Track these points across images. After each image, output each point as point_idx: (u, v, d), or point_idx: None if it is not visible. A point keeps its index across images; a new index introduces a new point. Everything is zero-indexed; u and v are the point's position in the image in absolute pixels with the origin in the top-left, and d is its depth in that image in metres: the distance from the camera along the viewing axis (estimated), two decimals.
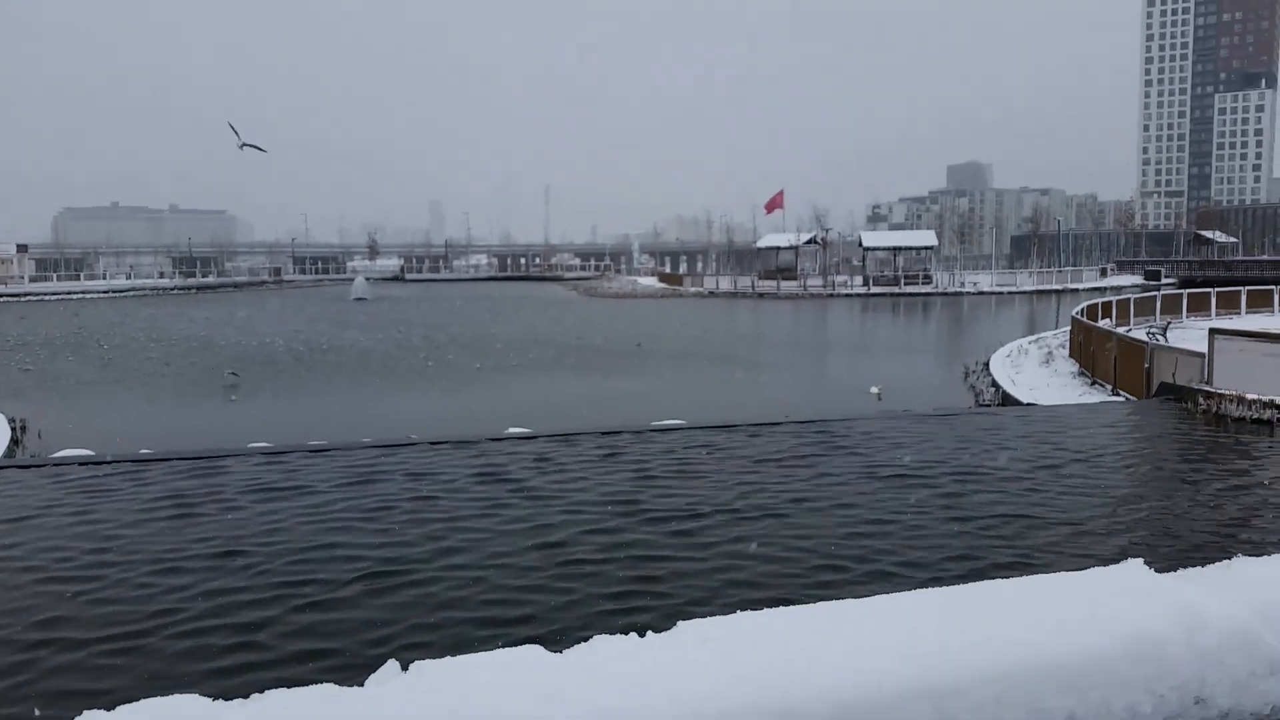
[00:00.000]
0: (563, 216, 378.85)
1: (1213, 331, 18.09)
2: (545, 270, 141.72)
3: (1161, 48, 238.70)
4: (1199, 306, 41.62)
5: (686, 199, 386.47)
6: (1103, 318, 35.84)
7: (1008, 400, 23.17)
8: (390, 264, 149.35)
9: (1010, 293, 75.72)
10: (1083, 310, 31.48)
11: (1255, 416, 13.27)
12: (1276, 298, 45.15)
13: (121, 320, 57.85)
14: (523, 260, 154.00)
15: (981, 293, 76.10)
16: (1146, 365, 20.13)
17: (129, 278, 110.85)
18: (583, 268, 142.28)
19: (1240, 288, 45.45)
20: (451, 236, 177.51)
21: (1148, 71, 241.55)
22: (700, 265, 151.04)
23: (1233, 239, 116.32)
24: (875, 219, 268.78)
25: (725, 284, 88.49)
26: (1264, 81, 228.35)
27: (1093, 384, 23.85)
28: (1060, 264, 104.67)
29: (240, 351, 38.28)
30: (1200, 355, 18.08)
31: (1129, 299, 39.17)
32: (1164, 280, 79.34)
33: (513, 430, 15.26)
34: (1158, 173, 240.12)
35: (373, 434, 15.54)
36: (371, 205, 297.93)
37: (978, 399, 24.93)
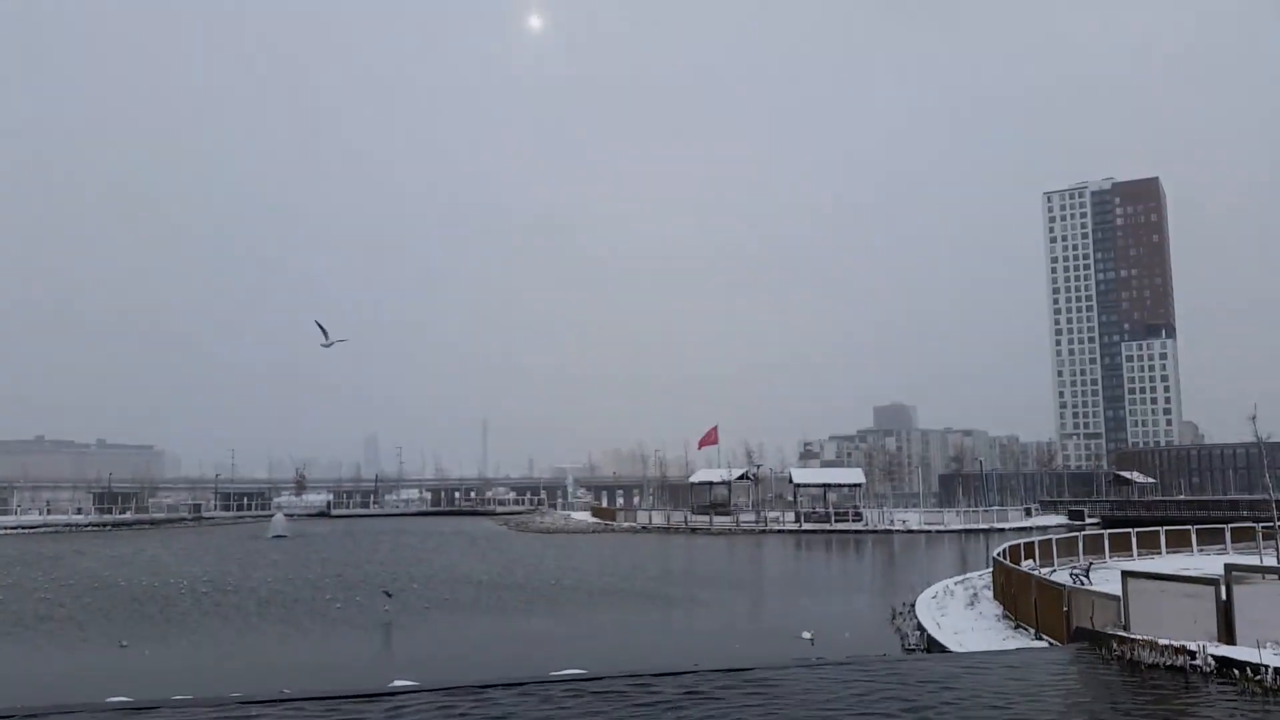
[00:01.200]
0: (500, 449, 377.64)
1: (1125, 574, 18.01)
2: (478, 505, 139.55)
3: (1068, 299, 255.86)
4: (1121, 547, 42.02)
5: (623, 433, 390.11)
6: (1026, 559, 35.88)
7: (933, 645, 22.50)
8: (318, 499, 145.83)
9: (939, 531, 76.05)
10: (1005, 552, 31.44)
11: (1168, 663, 12.91)
12: (1194, 537, 45.92)
13: (20, 556, 54.71)
14: (456, 494, 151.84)
15: (910, 531, 76.29)
16: (1065, 608, 19.85)
17: (43, 513, 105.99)
18: (517, 501, 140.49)
19: (1159, 528, 46.16)
20: (383, 470, 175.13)
21: (1057, 321, 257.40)
22: (636, 499, 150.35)
23: (1151, 479, 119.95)
24: (807, 456, 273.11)
25: (658, 518, 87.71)
26: (1164, 332, 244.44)
27: (1016, 627, 23.39)
28: (986, 504, 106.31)
29: (140, 591, 36.13)
30: (1116, 598, 17.90)
31: (1051, 540, 39.44)
32: (1087, 520, 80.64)
33: (397, 683, 14.22)
34: (1075, 415, 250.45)
35: (248, 685, 14.36)
36: (304, 438, 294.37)
37: (904, 642, 24.18)
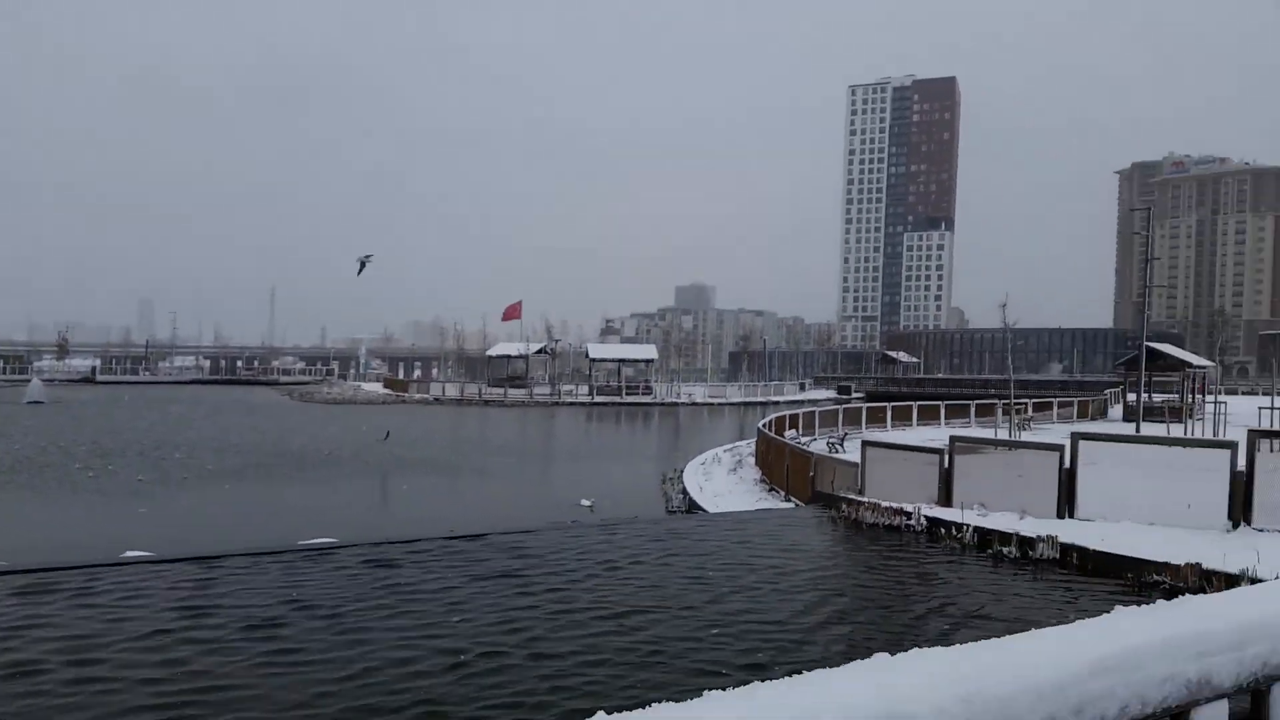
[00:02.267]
0: (291, 319, 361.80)
1: (864, 443, 19.29)
2: (260, 374, 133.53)
3: (861, 189, 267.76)
4: (876, 419, 45.25)
5: (423, 306, 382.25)
6: (790, 429, 38.01)
7: (693, 506, 23.64)
8: (83, 364, 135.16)
9: (720, 404, 79.69)
10: (770, 423, 33.07)
11: (888, 523, 14.00)
12: (942, 412, 50.13)
13: None
14: (238, 363, 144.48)
15: (695, 403, 79.55)
16: (811, 474, 21.17)
17: None
18: (305, 372, 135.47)
19: (912, 403, 50.07)
20: (156, 337, 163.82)
21: (848, 211, 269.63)
22: (435, 372, 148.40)
23: (915, 359, 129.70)
24: (607, 333, 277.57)
25: (452, 391, 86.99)
26: (943, 225, 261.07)
27: (770, 490, 24.87)
28: (767, 379, 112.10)
29: None
30: (856, 464, 19.20)
31: (814, 412, 42.00)
32: (854, 395, 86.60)
33: (129, 554, 13.44)
34: (856, 299, 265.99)
35: None
36: (69, 301, 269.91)
37: (667, 505, 25.26)
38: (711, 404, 79.69)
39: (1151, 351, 54.30)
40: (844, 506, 15.25)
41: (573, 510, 24.97)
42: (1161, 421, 43.55)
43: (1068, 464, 14.63)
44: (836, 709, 0.89)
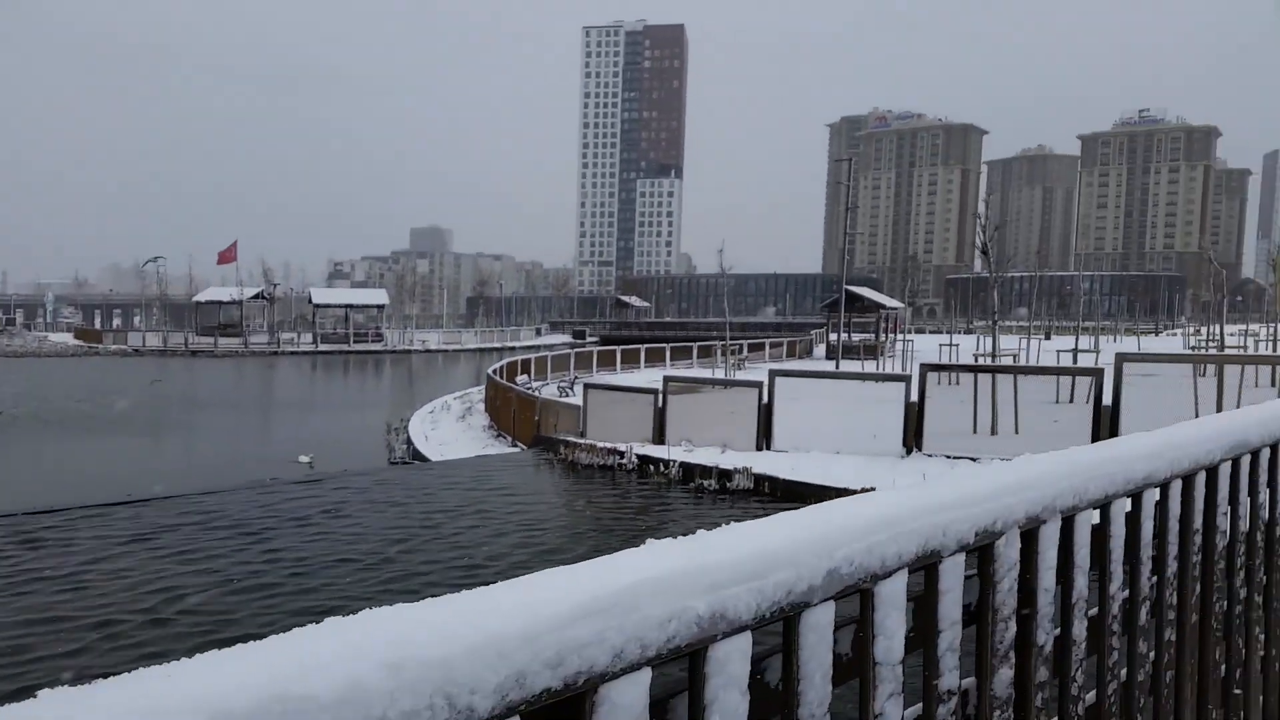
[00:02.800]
0: None
1: (586, 386, 19.46)
2: None
3: (596, 134, 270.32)
4: (607, 362, 46.14)
5: (124, 247, 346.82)
6: (522, 374, 37.94)
7: (417, 456, 23.00)
8: None
9: (456, 350, 78.48)
10: (501, 368, 32.73)
11: (602, 462, 14.16)
12: (668, 354, 51.99)
13: None
14: None
15: (429, 350, 77.82)
16: (536, 418, 21.15)
17: None
18: None
19: (640, 346, 51.55)
20: None
21: (584, 157, 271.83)
22: (137, 320, 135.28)
23: (646, 304, 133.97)
24: (336, 277, 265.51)
25: (154, 340, 79.73)
26: (674, 172, 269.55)
27: (498, 436, 24.65)
28: (505, 324, 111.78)
29: None
30: (578, 407, 19.33)
31: (547, 356, 42.17)
32: (589, 339, 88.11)
33: None
34: (592, 244, 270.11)
35: None
36: None
37: (390, 456, 24.42)
38: (446, 350, 78.23)
39: (851, 295, 58.96)
40: (562, 449, 15.29)
41: (289, 467, 23.52)
42: (859, 359, 47.52)
43: (765, 399, 15.41)
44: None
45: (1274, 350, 45.71)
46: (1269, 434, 3.21)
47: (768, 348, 59.73)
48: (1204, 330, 64.10)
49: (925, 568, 1.63)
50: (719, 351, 49.95)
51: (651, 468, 13.58)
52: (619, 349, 48.41)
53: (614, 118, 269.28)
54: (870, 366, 40.72)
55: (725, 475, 12.63)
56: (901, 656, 1.55)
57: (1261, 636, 3.30)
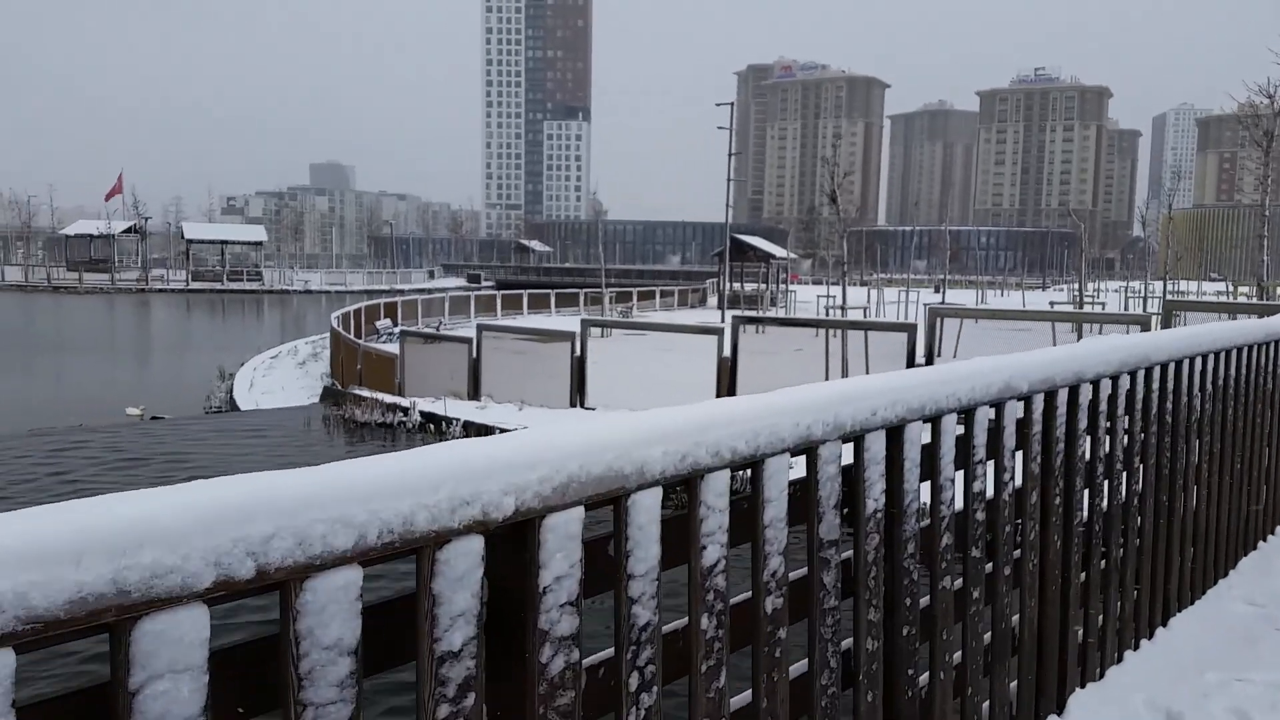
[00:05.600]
0: None
1: (403, 333, 18.06)
2: None
3: (501, 74, 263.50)
4: (486, 308, 44.41)
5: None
6: (385, 317, 36.19)
7: (234, 406, 21.37)
8: None
9: (339, 292, 75.47)
10: (354, 312, 30.68)
11: (380, 420, 12.89)
12: (553, 300, 50.52)
13: None
14: None
15: (309, 291, 74.77)
16: (359, 367, 19.70)
17: None
18: None
19: (523, 291, 50.01)
20: None
21: (488, 95, 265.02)
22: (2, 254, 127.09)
23: (549, 248, 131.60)
24: (230, 212, 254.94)
25: (14, 275, 74.90)
26: (581, 114, 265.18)
27: (333, 384, 23.15)
28: (405, 265, 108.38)
29: None
30: (395, 357, 17.94)
31: (416, 300, 40.35)
32: (484, 284, 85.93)
33: None
34: (499, 187, 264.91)
35: None
36: None
37: (207, 405, 22.65)
38: (329, 292, 75.16)
39: (742, 244, 58.25)
40: (347, 404, 13.94)
41: (117, 419, 21.54)
42: (750, 308, 46.96)
43: (578, 352, 14.30)
44: None
45: (1144, 309, 46.80)
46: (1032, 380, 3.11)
47: (658, 296, 58.85)
48: (1092, 286, 65.87)
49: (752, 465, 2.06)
50: (608, 298, 48.74)
51: (433, 426, 12.36)
52: (499, 294, 46.85)
53: (518, 56, 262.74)
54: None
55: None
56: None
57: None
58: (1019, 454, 3.13)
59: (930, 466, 2.70)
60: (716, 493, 1.94)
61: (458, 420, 12.24)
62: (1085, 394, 3.50)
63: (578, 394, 14.47)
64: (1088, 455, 3.58)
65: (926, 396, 2.58)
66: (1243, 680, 4.07)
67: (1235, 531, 5.16)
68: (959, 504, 2.84)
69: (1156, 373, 4.04)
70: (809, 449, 2.21)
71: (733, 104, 47.46)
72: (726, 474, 1.96)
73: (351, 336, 21.68)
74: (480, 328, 15.79)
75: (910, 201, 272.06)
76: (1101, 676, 3.82)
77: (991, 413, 2.94)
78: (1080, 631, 3.61)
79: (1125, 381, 3.81)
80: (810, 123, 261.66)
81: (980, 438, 2.89)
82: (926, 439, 2.68)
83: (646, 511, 1.77)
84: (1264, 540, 5.66)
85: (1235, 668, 4.18)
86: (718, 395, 13.80)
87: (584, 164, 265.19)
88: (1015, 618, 3.18)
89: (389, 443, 12.05)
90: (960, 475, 2.81)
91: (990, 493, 3.00)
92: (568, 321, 40.66)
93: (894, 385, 2.49)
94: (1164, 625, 4.41)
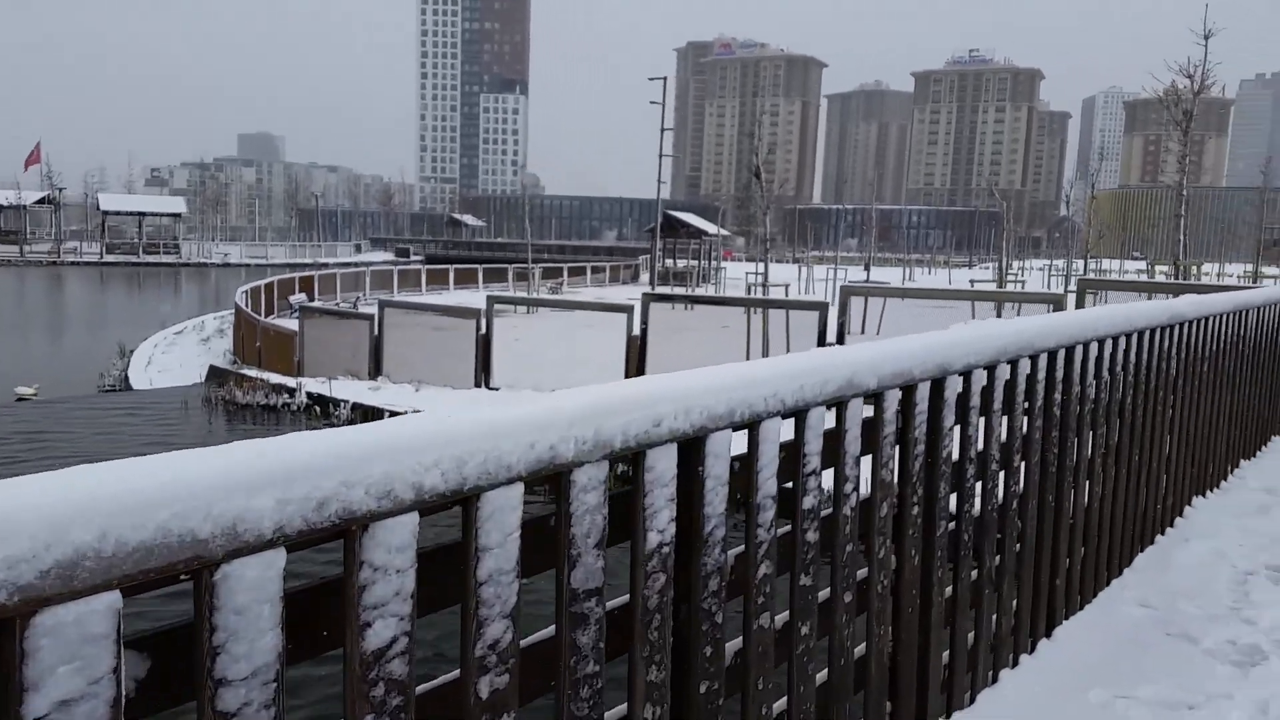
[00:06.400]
0: None
1: (302, 308, 17.23)
2: None
3: (436, 45, 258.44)
4: (410, 283, 43.25)
5: None
6: (301, 291, 34.91)
7: (128, 385, 20.30)
8: None
9: (260, 265, 73.38)
10: (264, 287, 29.35)
11: (264, 402, 12.12)
12: (480, 276, 49.51)
13: None
14: None
15: (229, 264, 72.49)
16: (258, 344, 18.79)
17: None
18: None
19: (450, 266, 48.93)
20: None
21: (423, 66, 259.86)
22: None
23: (482, 223, 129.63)
24: (154, 183, 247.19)
25: None
26: (519, 88, 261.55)
27: (234, 362, 22.12)
28: (335, 238, 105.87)
29: None
30: (294, 334, 17.10)
31: (335, 274, 39.06)
32: (412, 258, 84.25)
33: None
34: (434, 160, 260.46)
35: None
36: None
37: (102, 383, 21.51)
38: (249, 265, 72.97)
39: (675, 221, 57.77)
40: (231, 384, 13.13)
41: (4, 399, 20.25)
42: (681, 285, 46.54)
43: (483, 330, 13.67)
44: None
45: (1065, 288, 47.47)
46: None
47: (589, 273, 58.15)
48: (1018, 264, 66.96)
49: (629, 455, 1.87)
50: (536, 274, 47.85)
51: (319, 409, 11.64)
52: (424, 269, 45.75)
53: (454, 28, 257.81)
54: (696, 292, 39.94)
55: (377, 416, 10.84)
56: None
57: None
58: (867, 459, 2.67)
59: (746, 482, 2.22)
60: (393, 547, 1.40)
61: (346, 403, 11.52)
62: (954, 387, 3.05)
63: (483, 374, 13.85)
64: (955, 455, 3.14)
65: (737, 400, 2.08)
66: (1127, 698, 3.69)
67: (1131, 526, 4.81)
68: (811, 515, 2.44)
69: (1043, 360, 3.63)
70: (555, 475, 1.69)
71: (665, 79, 46.72)
72: (409, 520, 1.42)
73: (251, 312, 20.67)
74: (382, 304, 15.04)
75: (846, 180, 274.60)
76: (972, 702, 3.41)
77: (833, 414, 2.51)
78: (948, 654, 3.21)
79: (1004, 371, 3.39)
80: (749, 101, 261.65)
81: (814, 444, 2.42)
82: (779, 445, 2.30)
83: (252, 589, 1.23)
84: (1162, 533, 5.33)
85: (1121, 682, 3.81)
86: (626, 375, 13.30)
87: (521, 138, 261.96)
88: (860, 648, 2.76)
89: (271, 426, 11.31)
90: (776, 488, 2.33)
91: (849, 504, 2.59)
92: (410, 299, 39.85)
93: (689, 387, 1.96)
94: (1048, 636, 4.03)
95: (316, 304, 19.58)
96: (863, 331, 16.91)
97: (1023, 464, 3.67)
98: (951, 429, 3.06)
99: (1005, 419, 3.45)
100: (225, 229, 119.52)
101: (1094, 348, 4.03)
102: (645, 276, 63.06)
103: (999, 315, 14.74)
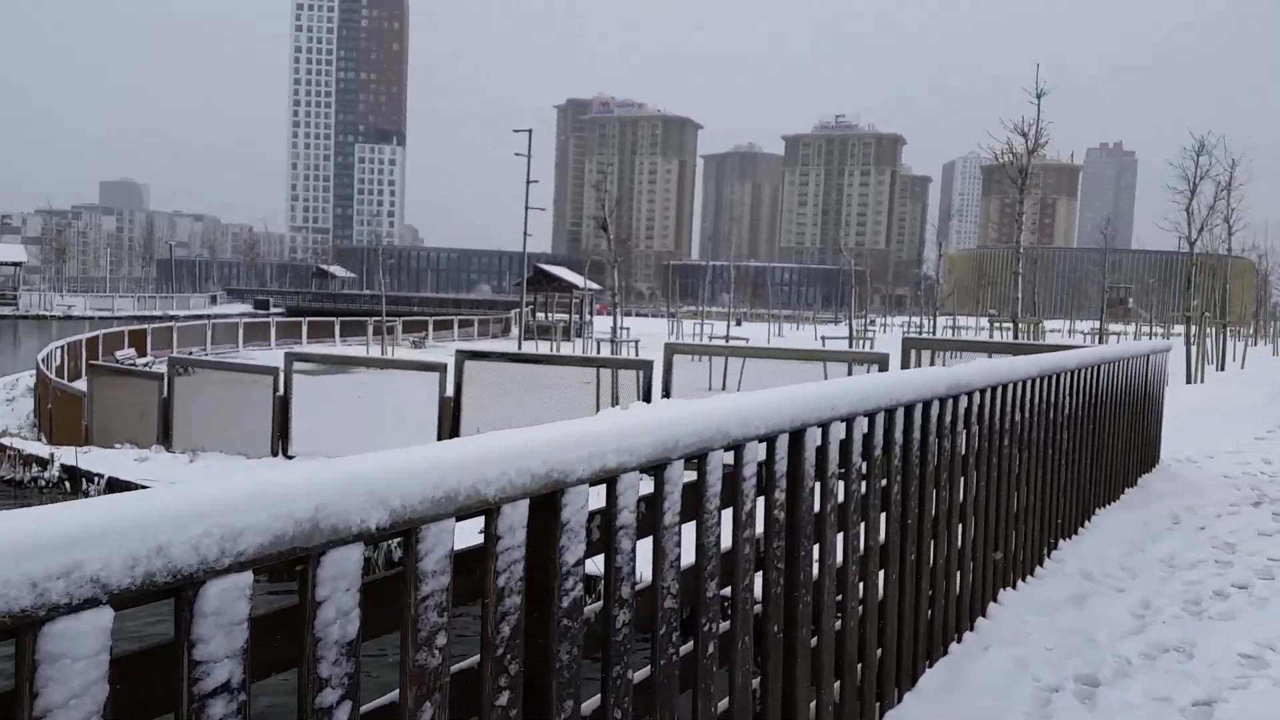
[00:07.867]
0: None
1: (90, 366, 15.48)
2: None
3: (309, 93, 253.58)
4: (257, 336, 40.85)
5: None
6: (130, 346, 32.35)
7: None
8: None
9: (105, 318, 68.96)
10: (80, 343, 26.55)
11: (10, 476, 10.49)
12: (337, 329, 47.34)
13: None
14: None
15: (70, 317, 67.92)
16: (49, 406, 16.85)
17: None
18: None
19: (303, 319, 46.71)
20: None
21: (295, 115, 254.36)
22: None
23: (352, 274, 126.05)
24: (5, 231, 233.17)
25: None
26: (395, 139, 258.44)
27: (34, 426, 19.92)
28: (195, 290, 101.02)
29: None
30: (82, 395, 15.31)
31: (171, 328, 36.49)
32: (273, 310, 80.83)
33: None
34: (306, 210, 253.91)
35: None
36: None
37: None
38: (93, 318, 68.48)
39: (547, 274, 56.96)
40: None
41: None
42: (547, 340, 45.51)
43: (280, 391, 12.33)
44: None
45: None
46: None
47: (456, 326, 56.61)
48: (879, 320, 68.78)
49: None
50: (400, 327, 46.01)
51: (72, 485, 10.09)
52: (274, 321, 43.51)
53: (329, 77, 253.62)
54: (564, 348, 39.09)
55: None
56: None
57: None
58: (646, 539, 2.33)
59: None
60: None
61: (102, 477, 10.00)
62: (753, 454, 2.70)
63: (281, 439, 12.49)
64: (760, 530, 2.84)
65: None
66: None
67: (911, 642, 3.98)
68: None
69: (863, 423, 3.33)
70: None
71: (530, 131, 46.19)
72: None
73: (50, 373, 18.61)
74: (172, 361, 13.53)
75: (722, 238, 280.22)
76: None
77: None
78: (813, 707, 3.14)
79: (815, 435, 2.95)
80: (627, 158, 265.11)
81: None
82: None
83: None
84: (958, 640, 4.55)
85: None
86: (439, 437, 12.17)
87: (399, 189, 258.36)
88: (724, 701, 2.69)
89: (16, 503, 9.69)
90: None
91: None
92: (351, 351, 37.94)
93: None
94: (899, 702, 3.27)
95: (104, 361, 17.77)
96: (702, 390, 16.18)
97: (840, 534, 3.32)
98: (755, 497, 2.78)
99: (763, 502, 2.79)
100: (79, 279, 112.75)
101: (837, 429, 3.20)
102: (515, 330, 61.92)
103: (825, 376, 14.27)
